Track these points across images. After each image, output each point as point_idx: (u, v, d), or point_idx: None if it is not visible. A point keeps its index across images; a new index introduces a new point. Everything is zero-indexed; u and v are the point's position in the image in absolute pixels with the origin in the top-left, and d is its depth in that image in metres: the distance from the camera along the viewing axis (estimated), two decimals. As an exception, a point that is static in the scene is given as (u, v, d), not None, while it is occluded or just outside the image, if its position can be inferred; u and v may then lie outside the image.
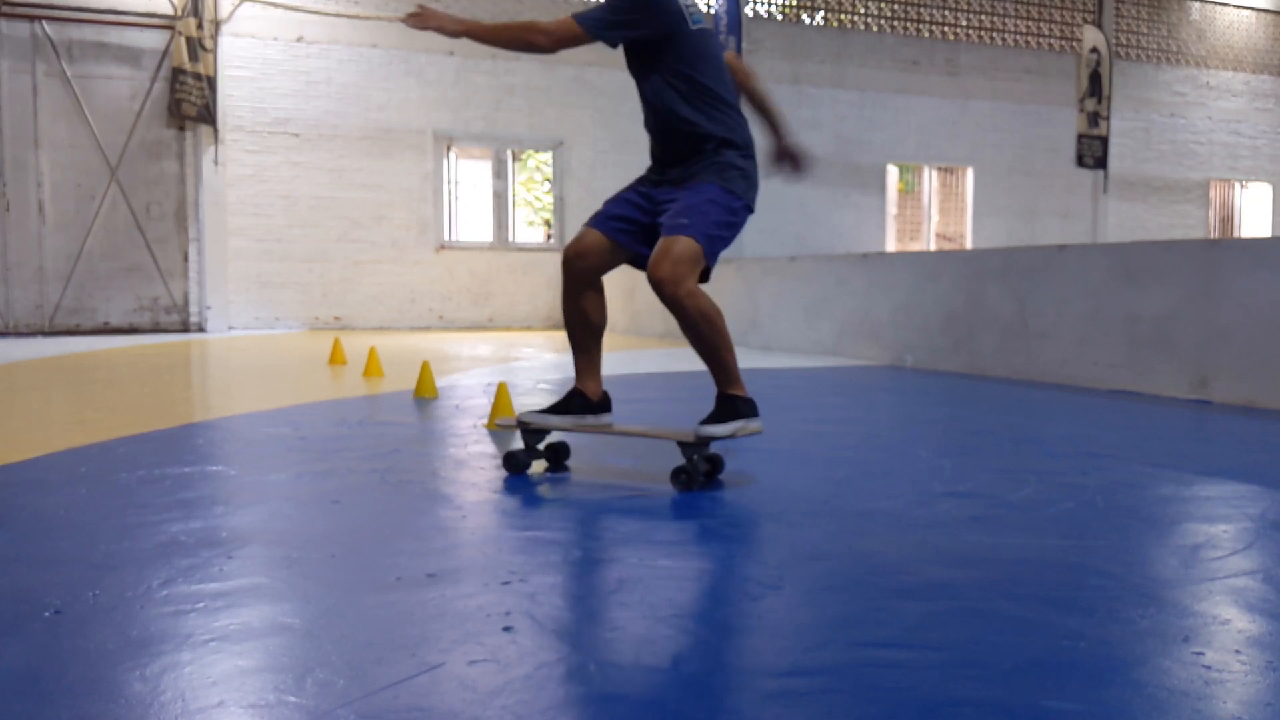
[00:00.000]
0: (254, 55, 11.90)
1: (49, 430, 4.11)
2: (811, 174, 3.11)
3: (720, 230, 3.06)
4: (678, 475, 2.95)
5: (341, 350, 7.49)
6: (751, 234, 14.34)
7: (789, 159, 3.34)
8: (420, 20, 3.00)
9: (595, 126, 13.39)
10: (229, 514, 2.62)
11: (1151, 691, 1.48)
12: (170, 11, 11.45)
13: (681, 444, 2.95)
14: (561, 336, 10.90)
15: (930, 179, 15.61)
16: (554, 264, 13.31)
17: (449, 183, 13.00)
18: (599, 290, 3.20)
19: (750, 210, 3.14)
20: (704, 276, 3.10)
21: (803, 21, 14.75)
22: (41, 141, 11.27)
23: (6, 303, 11.26)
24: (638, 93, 3.16)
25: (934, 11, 15.39)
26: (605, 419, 3.24)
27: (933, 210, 15.68)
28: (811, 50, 14.63)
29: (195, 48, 11.42)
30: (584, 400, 3.20)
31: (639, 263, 3.18)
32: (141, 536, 2.37)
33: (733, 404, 3.03)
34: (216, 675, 1.54)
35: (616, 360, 7.83)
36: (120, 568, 2.11)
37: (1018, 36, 15.96)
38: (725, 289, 9.68)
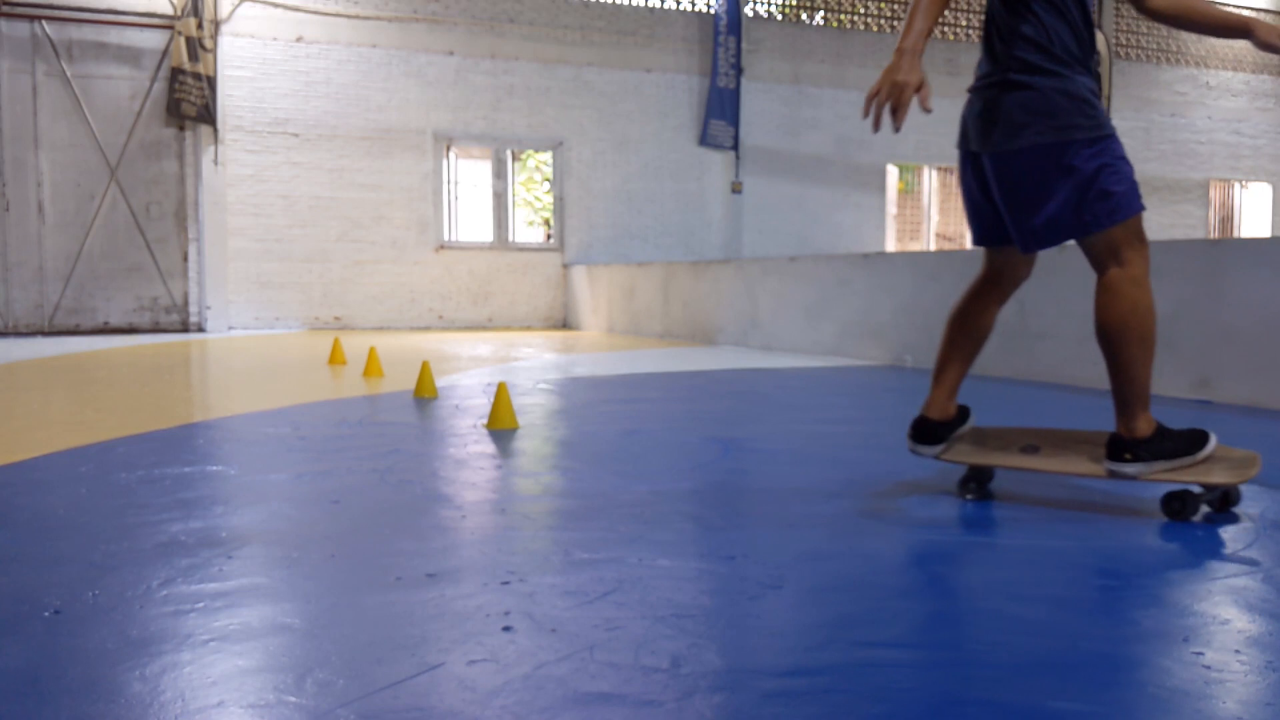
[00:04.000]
0: (254, 55, 11.90)
1: (49, 430, 4.11)
2: None
3: None
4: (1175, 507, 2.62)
5: (341, 350, 7.49)
6: (752, 234, 14.35)
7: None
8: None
9: (595, 126, 13.38)
10: (229, 514, 2.61)
11: (1152, 691, 1.48)
12: (170, 11, 11.45)
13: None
14: (561, 336, 10.90)
15: (930, 179, 15.60)
16: (554, 264, 13.31)
17: (449, 183, 13.00)
18: None
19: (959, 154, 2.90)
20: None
21: (803, 21, 14.74)
22: (41, 141, 11.27)
23: (6, 303, 11.25)
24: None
25: (934, 11, 15.37)
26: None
27: (933, 210, 15.67)
28: (812, 50, 14.62)
29: (195, 48, 11.42)
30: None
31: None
32: (141, 536, 2.37)
33: None
34: (216, 675, 1.54)
35: (617, 360, 7.82)
36: (120, 568, 2.11)
37: (1018, 36, 15.93)
38: (725, 289, 9.69)
